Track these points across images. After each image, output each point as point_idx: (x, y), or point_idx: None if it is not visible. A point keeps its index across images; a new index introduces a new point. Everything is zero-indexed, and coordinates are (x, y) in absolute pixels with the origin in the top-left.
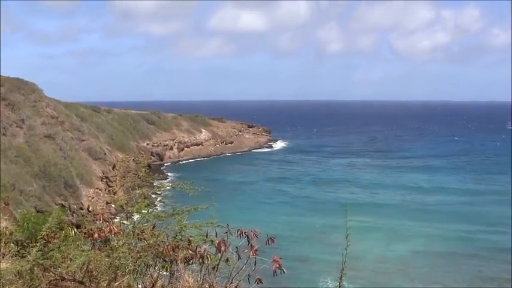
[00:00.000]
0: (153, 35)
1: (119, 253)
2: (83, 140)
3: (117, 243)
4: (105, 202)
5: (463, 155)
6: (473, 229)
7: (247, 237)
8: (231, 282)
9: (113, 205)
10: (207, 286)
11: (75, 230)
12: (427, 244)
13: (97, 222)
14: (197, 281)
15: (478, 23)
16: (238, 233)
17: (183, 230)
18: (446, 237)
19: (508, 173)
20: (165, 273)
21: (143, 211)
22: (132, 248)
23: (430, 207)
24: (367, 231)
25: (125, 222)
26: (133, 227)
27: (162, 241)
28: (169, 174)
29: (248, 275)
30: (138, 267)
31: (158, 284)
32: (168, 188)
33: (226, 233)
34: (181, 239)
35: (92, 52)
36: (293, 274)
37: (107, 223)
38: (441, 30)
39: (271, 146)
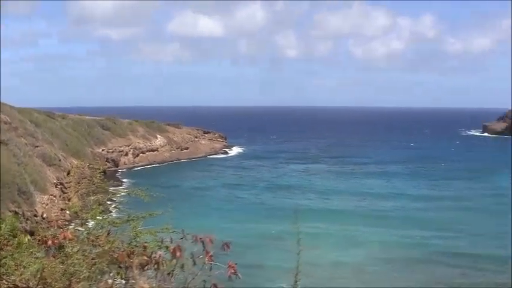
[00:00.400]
0: (111, 39)
1: (73, 260)
2: (37, 146)
3: (72, 249)
4: (59, 209)
5: (418, 161)
6: (428, 234)
7: (203, 243)
8: None
9: (67, 212)
10: None
11: (29, 237)
12: (382, 250)
13: (51, 229)
14: (152, 287)
15: (433, 31)
16: (194, 238)
17: (138, 236)
18: (401, 243)
19: (461, 179)
20: (120, 279)
21: (98, 217)
22: (86, 254)
23: (385, 213)
24: (323, 237)
25: (80, 228)
26: (87, 233)
27: (117, 247)
28: (124, 180)
29: (203, 280)
30: (93, 273)
31: None
32: (123, 194)
33: (182, 238)
34: (136, 245)
35: (48, 57)
36: (249, 280)
37: (61, 230)
38: (397, 37)
39: (226, 152)
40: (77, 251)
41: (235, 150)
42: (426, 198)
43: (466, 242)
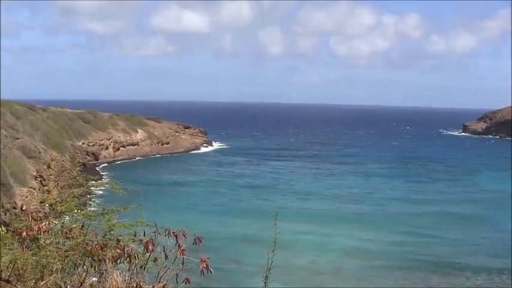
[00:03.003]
0: (94, 33)
1: (46, 252)
2: (17, 138)
3: (45, 241)
4: (39, 201)
5: (400, 161)
6: (406, 239)
7: (176, 237)
8: (159, 282)
9: (47, 204)
10: (134, 285)
11: (3, 228)
12: (359, 250)
13: (26, 220)
14: (125, 280)
15: (418, 30)
16: (167, 232)
17: (112, 229)
18: (378, 245)
19: (443, 180)
20: (93, 272)
21: (74, 210)
22: (59, 246)
23: (363, 215)
24: (299, 238)
25: (55, 221)
26: (62, 225)
27: (91, 240)
28: (104, 173)
29: (176, 274)
30: (66, 266)
31: (86, 283)
32: (101, 187)
33: (155, 232)
34: (110, 238)
35: (30, 49)
36: (225, 275)
37: (36, 222)
38: (381, 36)
39: (207, 148)
40: (50, 243)
41: (215, 146)
42: (407, 201)
43: (443, 248)
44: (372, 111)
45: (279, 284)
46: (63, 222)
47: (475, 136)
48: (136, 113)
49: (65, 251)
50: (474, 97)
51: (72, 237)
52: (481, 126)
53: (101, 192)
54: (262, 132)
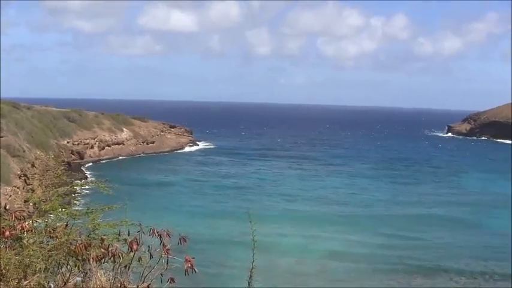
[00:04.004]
0: (81, 31)
1: (29, 251)
2: (1, 137)
3: (28, 241)
4: (23, 200)
5: (385, 162)
6: (390, 241)
7: (160, 237)
8: (143, 281)
9: (31, 203)
10: (118, 285)
11: None
12: (343, 252)
13: (9, 220)
14: (109, 280)
15: (405, 31)
16: (151, 232)
17: (97, 229)
18: (363, 247)
19: (427, 182)
20: (77, 271)
21: (58, 209)
22: (43, 246)
23: (348, 217)
24: (282, 240)
25: (38, 220)
26: (46, 225)
27: (75, 239)
28: (89, 173)
29: (161, 274)
30: (49, 265)
31: (70, 283)
32: (86, 186)
33: (139, 232)
34: (94, 238)
35: (16, 47)
36: (209, 278)
37: (19, 221)
38: (369, 37)
39: (192, 147)
40: (34, 243)
41: (201, 146)
42: (393, 202)
43: (428, 250)
44: (359, 112)
45: (263, 285)
46: (47, 222)
47: (460, 137)
48: (123, 112)
49: (48, 251)
50: (461, 99)
51: (56, 237)
52: (465, 127)
53: (87, 191)
54: (248, 132)
